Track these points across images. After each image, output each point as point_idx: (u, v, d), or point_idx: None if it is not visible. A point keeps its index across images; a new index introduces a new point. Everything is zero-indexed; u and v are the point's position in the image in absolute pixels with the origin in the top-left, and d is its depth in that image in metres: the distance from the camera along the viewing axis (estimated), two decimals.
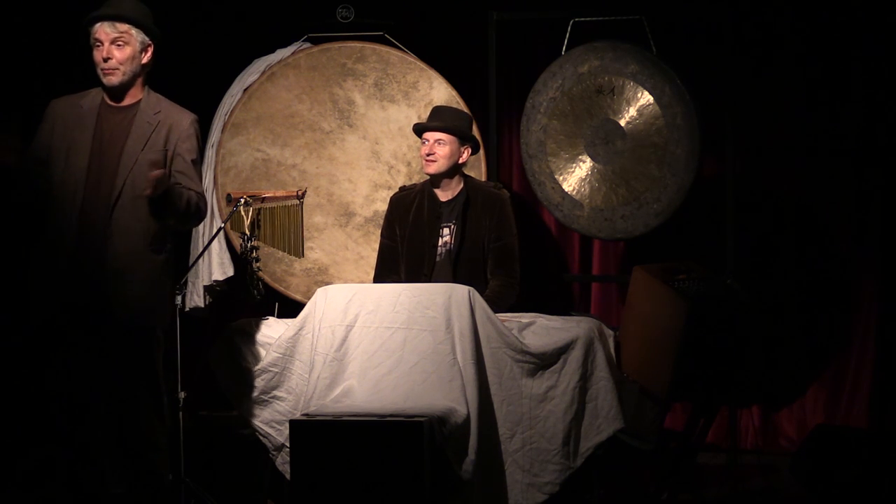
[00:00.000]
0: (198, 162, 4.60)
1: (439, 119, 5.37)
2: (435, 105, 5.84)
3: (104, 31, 4.47)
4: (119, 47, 4.48)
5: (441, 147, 5.32)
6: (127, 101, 4.54)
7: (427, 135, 5.35)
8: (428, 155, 5.32)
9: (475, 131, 5.55)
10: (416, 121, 5.88)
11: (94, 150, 4.47)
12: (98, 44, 4.48)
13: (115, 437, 4.52)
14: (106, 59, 4.47)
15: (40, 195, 4.48)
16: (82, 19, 4.53)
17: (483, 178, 5.82)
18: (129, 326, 4.45)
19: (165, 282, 4.56)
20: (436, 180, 5.37)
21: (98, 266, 4.42)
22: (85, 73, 4.63)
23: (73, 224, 4.43)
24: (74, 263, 4.42)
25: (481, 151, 5.84)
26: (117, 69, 4.48)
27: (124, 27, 4.48)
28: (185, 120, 4.57)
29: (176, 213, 4.44)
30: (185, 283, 5.71)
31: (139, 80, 4.56)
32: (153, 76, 4.68)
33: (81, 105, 4.54)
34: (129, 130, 4.49)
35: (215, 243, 5.78)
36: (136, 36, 4.50)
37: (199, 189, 4.57)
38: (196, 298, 5.87)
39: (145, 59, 4.54)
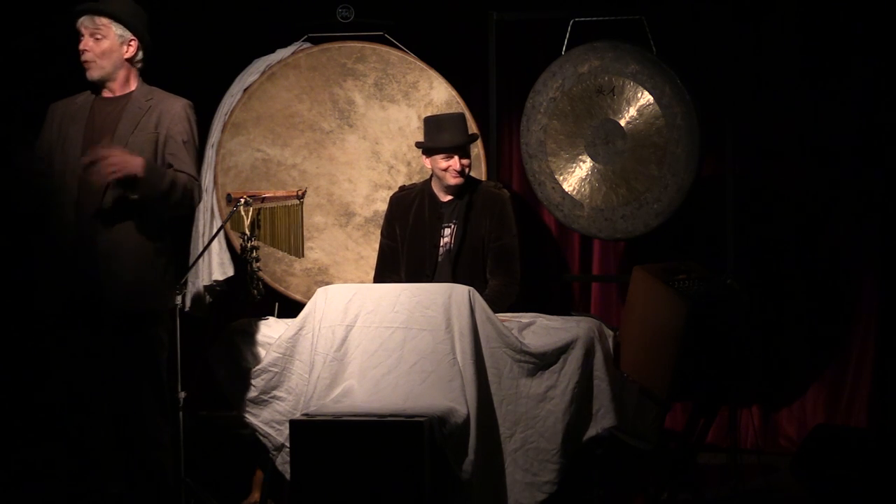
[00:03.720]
0: (191, 145, 4.61)
1: (455, 133, 5.35)
2: (435, 105, 5.85)
3: (84, 24, 4.57)
4: (97, 41, 4.56)
5: (465, 159, 5.36)
6: (120, 93, 4.61)
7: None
8: (458, 171, 5.33)
9: (473, 126, 5.58)
10: (416, 121, 5.88)
11: (86, 139, 4.53)
12: (80, 38, 4.57)
13: (116, 436, 4.53)
14: (83, 52, 4.56)
15: (42, 202, 4.51)
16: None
17: (483, 178, 5.82)
18: (120, 309, 4.47)
19: (160, 267, 4.57)
20: (453, 188, 5.37)
21: (91, 251, 4.46)
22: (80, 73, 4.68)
23: (71, 214, 4.47)
24: (73, 252, 4.46)
25: (481, 151, 5.85)
26: (94, 62, 4.56)
27: (103, 21, 4.56)
28: (177, 104, 4.62)
29: (158, 193, 4.44)
30: (185, 283, 5.71)
31: (130, 74, 4.62)
32: (155, 76, 4.70)
33: (77, 102, 4.62)
34: (121, 117, 4.56)
35: (215, 243, 5.78)
36: (115, 30, 4.57)
37: (192, 171, 4.57)
38: (196, 298, 5.86)
39: (128, 53, 4.60)
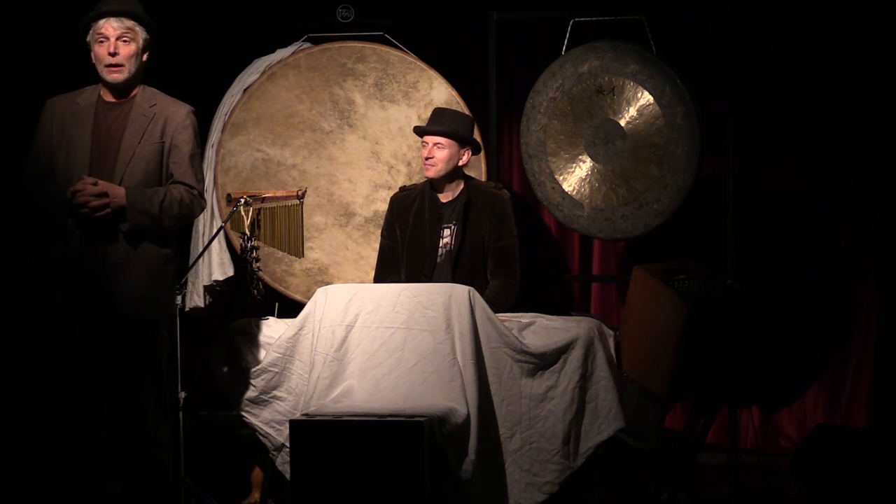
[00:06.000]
0: (196, 153, 4.58)
1: (439, 122, 5.37)
2: (436, 106, 5.85)
3: (111, 25, 4.47)
4: (125, 43, 4.48)
5: (440, 150, 5.31)
6: (124, 97, 4.54)
7: (427, 137, 5.34)
8: (427, 158, 5.32)
9: (476, 133, 5.54)
10: (416, 121, 5.88)
11: (93, 147, 4.47)
12: (103, 39, 4.47)
13: (117, 436, 4.53)
14: (113, 54, 4.46)
15: (43, 208, 4.48)
16: (83, 16, 4.53)
17: (483, 179, 5.81)
18: (132, 319, 4.45)
19: (168, 275, 4.55)
20: (436, 183, 5.37)
21: (100, 260, 4.43)
22: (85, 71, 4.64)
23: (76, 221, 4.43)
24: (78, 258, 4.43)
25: (482, 151, 5.85)
26: (123, 66, 4.48)
27: (130, 23, 4.48)
28: (180, 112, 4.57)
29: (148, 220, 4.42)
30: (185, 283, 5.71)
31: (139, 78, 4.56)
32: (155, 75, 4.69)
33: (78, 103, 4.54)
34: (126, 124, 4.50)
35: (215, 243, 5.78)
36: (141, 33, 4.51)
37: (192, 181, 4.54)
38: (196, 298, 5.87)
39: (145, 56, 4.55)
